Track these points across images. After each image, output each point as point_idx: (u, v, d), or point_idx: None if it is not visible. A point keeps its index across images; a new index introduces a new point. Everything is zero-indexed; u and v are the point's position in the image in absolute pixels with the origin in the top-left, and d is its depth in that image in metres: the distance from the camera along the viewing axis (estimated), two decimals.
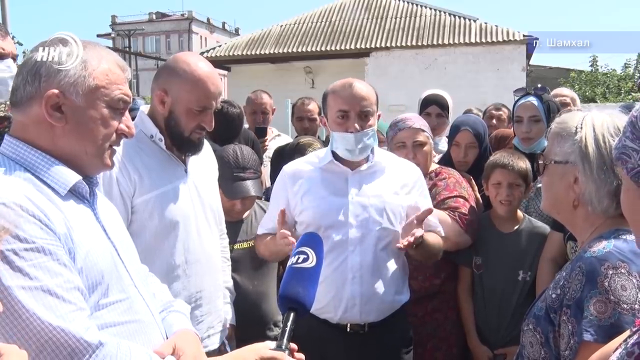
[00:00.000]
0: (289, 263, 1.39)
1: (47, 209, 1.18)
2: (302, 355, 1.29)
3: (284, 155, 3.41)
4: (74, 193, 1.29)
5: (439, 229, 2.35)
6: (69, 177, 1.27)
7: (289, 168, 2.32)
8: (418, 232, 2.07)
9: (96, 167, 1.34)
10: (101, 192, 1.55)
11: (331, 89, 2.23)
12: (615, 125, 1.40)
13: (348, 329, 2.19)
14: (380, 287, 2.19)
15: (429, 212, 2.17)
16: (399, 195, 2.24)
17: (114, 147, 1.36)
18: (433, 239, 2.26)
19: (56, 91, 1.24)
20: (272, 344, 1.25)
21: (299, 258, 1.37)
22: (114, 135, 1.33)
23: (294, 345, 1.26)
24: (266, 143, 4.24)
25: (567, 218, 1.52)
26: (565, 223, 1.57)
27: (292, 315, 1.28)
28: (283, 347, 1.23)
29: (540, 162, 1.53)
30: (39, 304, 1.09)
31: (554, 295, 1.38)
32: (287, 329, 1.26)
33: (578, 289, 1.30)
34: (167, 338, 1.41)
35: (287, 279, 1.34)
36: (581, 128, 1.42)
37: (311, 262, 1.37)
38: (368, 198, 2.20)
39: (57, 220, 1.18)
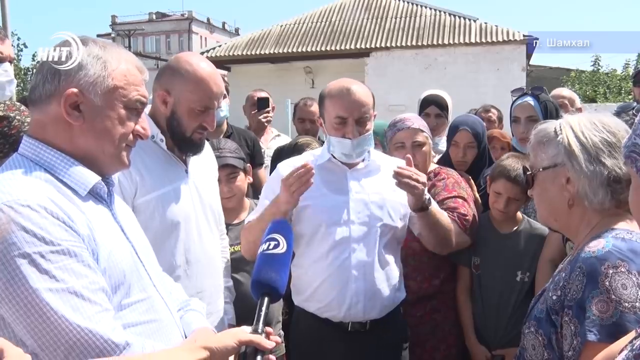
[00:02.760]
0: (259, 250, 1.41)
1: (70, 211, 1.19)
2: (278, 338, 1.32)
3: (282, 155, 3.42)
4: (92, 194, 1.30)
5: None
6: (89, 177, 1.28)
7: (285, 166, 2.30)
8: (422, 177, 2.10)
9: (114, 165, 1.36)
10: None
11: (328, 92, 2.20)
12: (590, 120, 1.46)
13: (349, 328, 2.19)
14: (382, 283, 2.21)
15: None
16: (396, 192, 2.25)
17: (130, 147, 1.37)
18: (443, 215, 2.31)
19: (75, 90, 1.25)
20: (249, 328, 1.27)
21: (269, 244, 1.39)
22: (131, 135, 1.34)
23: (269, 329, 1.28)
24: (269, 114, 4.32)
25: (564, 222, 1.53)
26: (562, 229, 1.59)
27: (266, 300, 1.30)
28: (259, 330, 1.25)
29: (528, 173, 1.57)
30: (67, 305, 1.11)
31: (554, 297, 1.39)
32: (262, 313, 1.28)
33: (579, 290, 1.31)
34: (185, 337, 1.43)
35: (259, 265, 1.36)
36: (560, 130, 1.48)
37: (282, 249, 1.39)
38: (368, 195, 2.21)
39: (80, 222, 1.20)
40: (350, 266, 2.16)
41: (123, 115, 1.31)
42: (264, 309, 1.29)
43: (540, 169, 1.52)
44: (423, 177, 2.12)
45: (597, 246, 1.34)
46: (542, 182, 1.53)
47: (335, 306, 2.17)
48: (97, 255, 1.20)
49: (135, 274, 1.31)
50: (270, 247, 1.38)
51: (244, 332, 1.25)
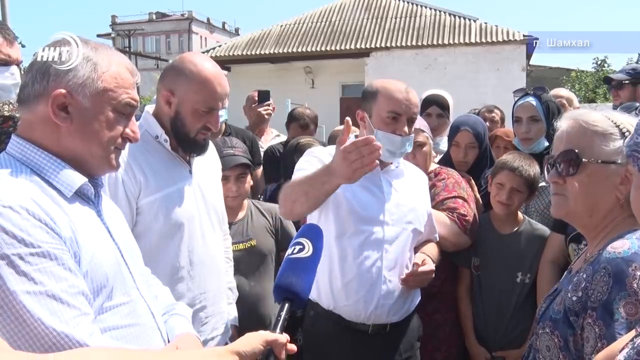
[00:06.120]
0: (285, 254, 1.40)
1: (53, 212, 1.18)
2: (294, 347, 1.28)
3: (284, 157, 3.40)
4: (79, 195, 1.29)
5: (434, 236, 2.35)
6: (75, 179, 1.27)
7: (319, 153, 2.20)
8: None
9: (102, 168, 1.35)
10: (106, 193, 1.56)
11: (382, 87, 2.16)
12: None
13: (369, 331, 2.17)
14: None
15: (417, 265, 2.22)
16: (422, 199, 2.26)
17: (120, 149, 1.36)
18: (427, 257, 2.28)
19: (63, 91, 1.24)
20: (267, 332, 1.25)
21: (294, 249, 1.37)
22: (120, 138, 1.33)
23: (286, 336, 1.25)
24: (269, 108, 4.33)
25: (597, 220, 1.46)
26: (589, 226, 1.49)
27: (286, 305, 1.28)
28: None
29: (585, 160, 1.44)
30: (44, 309, 1.09)
31: (574, 298, 1.35)
32: (281, 318, 1.26)
33: (605, 291, 1.27)
34: (168, 342, 1.41)
35: (283, 269, 1.35)
36: (626, 128, 1.40)
37: (307, 252, 1.36)
38: (401, 197, 2.20)
39: (62, 224, 1.18)
40: (381, 267, 2.13)
41: (112, 118, 1.30)
42: (283, 314, 1.27)
43: (598, 161, 1.41)
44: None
45: (622, 247, 1.31)
46: (593, 175, 1.43)
47: (361, 306, 2.14)
48: (79, 257, 1.19)
49: (119, 277, 1.29)
50: (295, 251, 1.36)
51: (269, 333, 1.23)
